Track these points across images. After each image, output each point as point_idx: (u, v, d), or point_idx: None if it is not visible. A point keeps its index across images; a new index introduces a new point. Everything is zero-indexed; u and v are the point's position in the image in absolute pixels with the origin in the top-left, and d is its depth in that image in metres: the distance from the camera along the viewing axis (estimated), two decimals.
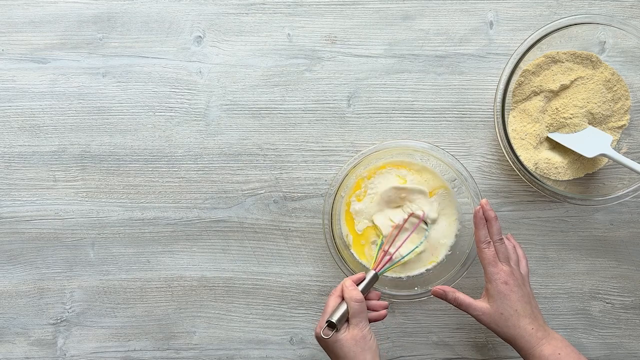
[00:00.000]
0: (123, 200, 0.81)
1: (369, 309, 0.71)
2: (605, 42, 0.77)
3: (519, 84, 0.77)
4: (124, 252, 0.82)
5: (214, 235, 0.81)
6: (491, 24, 0.80)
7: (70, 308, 0.82)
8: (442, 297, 0.72)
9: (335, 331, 0.67)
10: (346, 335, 0.66)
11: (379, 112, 0.80)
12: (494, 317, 0.68)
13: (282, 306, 0.82)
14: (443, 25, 0.80)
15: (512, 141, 0.75)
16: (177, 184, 0.81)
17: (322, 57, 0.80)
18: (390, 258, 0.74)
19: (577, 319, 0.81)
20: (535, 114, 0.77)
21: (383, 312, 0.72)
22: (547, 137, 0.77)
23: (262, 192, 0.81)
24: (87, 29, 0.80)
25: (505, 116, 0.74)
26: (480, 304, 0.69)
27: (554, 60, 0.77)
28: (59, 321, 0.82)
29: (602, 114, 0.76)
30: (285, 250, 0.81)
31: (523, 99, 0.78)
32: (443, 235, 0.78)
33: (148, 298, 0.82)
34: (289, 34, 0.80)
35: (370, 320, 0.70)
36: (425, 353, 0.82)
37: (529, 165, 0.76)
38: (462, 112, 0.80)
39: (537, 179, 0.74)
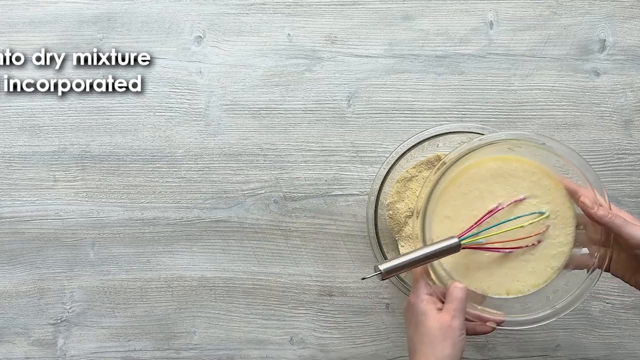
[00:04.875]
0: (123, 200, 0.81)
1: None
2: (605, 40, 0.77)
3: (390, 217, 0.78)
4: (124, 252, 0.82)
5: (214, 235, 0.81)
6: (491, 24, 0.80)
7: (70, 308, 0.82)
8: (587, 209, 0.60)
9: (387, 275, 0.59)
10: (434, 314, 0.59)
11: (379, 112, 0.80)
12: None
13: (282, 306, 0.82)
14: (443, 25, 0.80)
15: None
16: (177, 184, 0.81)
17: (322, 57, 0.80)
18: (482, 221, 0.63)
19: (577, 319, 0.81)
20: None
21: (488, 327, 0.63)
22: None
23: (262, 192, 0.81)
24: (87, 29, 0.80)
25: (391, 252, 0.76)
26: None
27: (408, 179, 0.77)
28: (59, 321, 0.82)
29: None
30: (285, 250, 0.81)
31: (401, 227, 0.78)
32: (556, 248, 0.65)
33: (148, 298, 0.82)
34: (289, 34, 0.80)
35: (477, 332, 0.62)
36: None
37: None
38: (462, 112, 0.80)
39: None
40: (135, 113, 0.81)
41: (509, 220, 0.63)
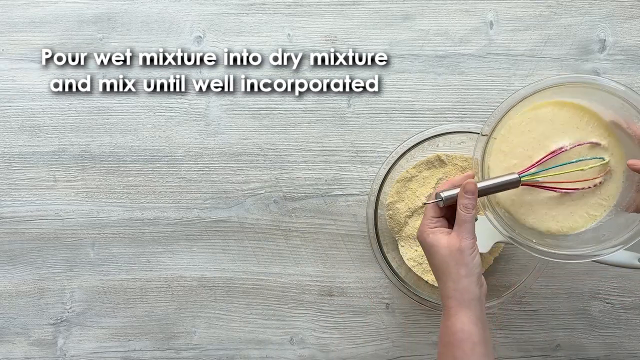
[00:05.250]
0: (123, 200, 0.81)
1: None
2: (605, 40, 0.77)
3: (390, 217, 0.78)
4: (124, 252, 0.82)
5: (214, 235, 0.81)
6: (491, 24, 0.80)
7: (70, 308, 0.82)
8: None
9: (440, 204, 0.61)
10: (442, 243, 0.60)
11: (379, 112, 0.80)
12: None
13: (282, 306, 0.82)
14: (443, 25, 0.80)
15: (413, 269, 0.78)
16: (177, 184, 0.81)
17: None
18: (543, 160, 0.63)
19: (577, 319, 0.81)
20: None
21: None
22: None
23: (262, 192, 0.81)
24: (87, 29, 0.80)
25: (391, 252, 0.77)
26: None
27: (408, 179, 0.78)
28: (59, 321, 0.82)
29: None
30: (285, 250, 0.81)
31: (401, 227, 0.78)
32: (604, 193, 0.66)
33: (148, 298, 0.82)
34: (289, 34, 0.80)
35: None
36: (425, 353, 0.82)
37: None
38: (462, 112, 0.80)
39: None
40: (135, 113, 0.81)
41: (571, 163, 0.64)
